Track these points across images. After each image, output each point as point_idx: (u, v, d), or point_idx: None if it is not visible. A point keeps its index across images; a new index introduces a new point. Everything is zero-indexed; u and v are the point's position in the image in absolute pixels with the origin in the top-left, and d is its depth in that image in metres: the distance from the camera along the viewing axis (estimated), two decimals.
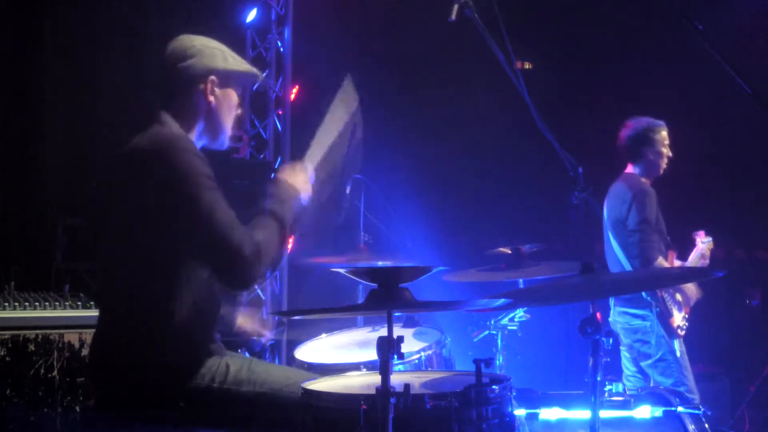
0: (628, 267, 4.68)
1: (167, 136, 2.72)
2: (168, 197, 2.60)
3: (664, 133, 4.87)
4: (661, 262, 4.61)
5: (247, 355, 3.21)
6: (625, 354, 4.85)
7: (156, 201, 2.61)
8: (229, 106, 2.90)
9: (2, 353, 3.82)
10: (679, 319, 4.67)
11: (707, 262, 4.97)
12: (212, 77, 2.83)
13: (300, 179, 2.93)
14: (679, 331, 4.66)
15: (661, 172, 4.89)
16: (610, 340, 2.52)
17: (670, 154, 4.88)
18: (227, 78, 2.87)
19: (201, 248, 2.62)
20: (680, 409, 3.00)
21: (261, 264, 2.65)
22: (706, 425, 3.00)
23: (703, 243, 5.00)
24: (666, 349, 4.64)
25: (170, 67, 2.81)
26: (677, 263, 4.92)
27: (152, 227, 2.63)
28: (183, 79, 2.81)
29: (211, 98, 2.84)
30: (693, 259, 4.99)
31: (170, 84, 2.82)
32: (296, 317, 3.31)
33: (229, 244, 2.58)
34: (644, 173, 4.84)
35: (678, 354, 4.64)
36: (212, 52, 2.85)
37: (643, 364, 4.71)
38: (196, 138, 2.88)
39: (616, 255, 4.76)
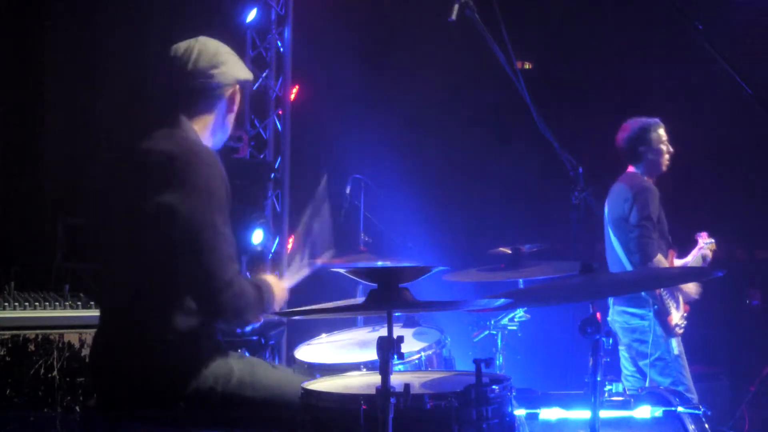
0: (628, 264, 4.68)
1: (191, 144, 2.72)
2: (178, 206, 2.59)
3: (661, 131, 4.87)
4: (660, 259, 4.60)
5: (247, 354, 3.21)
6: (623, 353, 4.85)
7: (165, 205, 2.60)
8: (237, 110, 2.98)
9: (2, 353, 3.82)
10: (677, 317, 4.67)
11: (708, 262, 4.97)
12: (237, 86, 2.91)
13: (279, 293, 2.92)
14: (677, 329, 4.65)
15: (664, 169, 4.88)
16: (610, 340, 2.52)
17: (671, 149, 4.87)
18: (243, 86, 2.97)
19: (192, 268, 2.62)
20: (680, 409, 3.00)
21: (243, 305, 2.68)
22: (706, 425, 3.00)
23: (705, 244, 5.00)
24: (664, 349, 4.64)
25: (202, 73, 2.82)
26: (677, 262, 4.92)
27: (157, 229, 2.63)
28: (215, 86, 2.84)
29: (234, 105, 2.92)
30: (693, 258, 4.98)
31: (197, 89, 2.83)
32: (296, 317, 3.31)
33: (220, 275, 2.60)
34: (646, 173, 4.85)
35: (676, 353, 4.64)
36: (236, 60, 2.93)
37: (641, 363, 4.71)
38: (206, 141, 2.89)
39: (617, 253, 4.76)
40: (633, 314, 4.72)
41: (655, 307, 4.61)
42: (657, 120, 4.90)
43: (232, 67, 2.88)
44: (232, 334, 3.18)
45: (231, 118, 2.95)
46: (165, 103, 2.85)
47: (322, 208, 3.18)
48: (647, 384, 4.61)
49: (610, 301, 4.86)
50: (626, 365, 4.84)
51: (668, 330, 4.63)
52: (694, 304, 4.84)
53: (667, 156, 4.87)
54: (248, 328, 3.11)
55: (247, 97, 6.63)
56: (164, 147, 2.68)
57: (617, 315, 4.80)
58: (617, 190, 4.81)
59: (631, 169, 4.88)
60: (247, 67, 3.03)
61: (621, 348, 4.85)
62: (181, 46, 2.85)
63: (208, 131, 2.87)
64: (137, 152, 2.72)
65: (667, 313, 4.64)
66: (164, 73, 2.88)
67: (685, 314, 4.74)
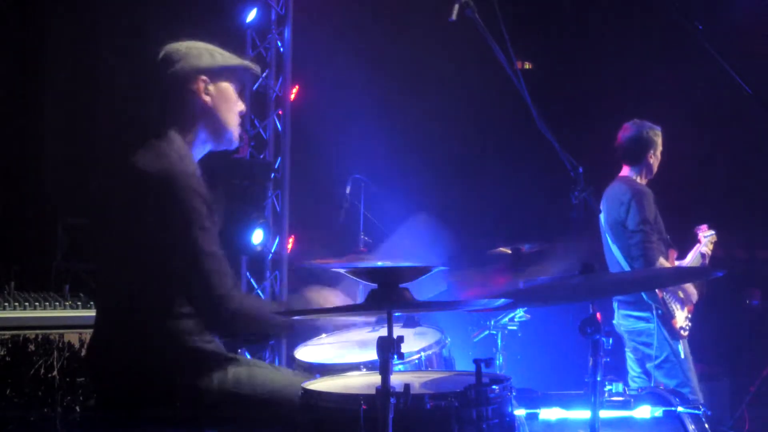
0: (627, 269, 4.68)
1: (168, 164, 2.64)
2: (162, 228, 2.60)
3: (659, 139, 4.91)
4: (663, 262, 4.60)
5: (247, 355, 3.21)
6: (630, 355, 4.86)
7: (153, 222, 2.61)
8: (227, 102, 2.87)
9: (2, 353, 3.82)
10: (681, 319, 4.67)
11: (708, 258, 4.97)
12: (202, 76, 2.82)
13: (327, 299, 2.86)
14: (682, 332, 4.66)
15: (653, 175, 4.92)
16: (610, 340, 2.52)
17: (660, 158, 4.93)
18: (219, 74, 2.85)
19: (185, 286, 2.62)
20: (680, 409, 3.00)
21: (236, 322, 2.64)
22: (706, 425, 3.00)
23: (705, 237, 5.00)
24: (669, 351, 4.64)
25: (161, 76, 2.81)
26: (677, 263, 4.92)
27: (150, 236, 2.63)
28: (174, 84, 2.80)
29: (206, 97, 2.82)
30: (694, 255, 4.98)
31: (164, 92, 2.82)
32: (296, 317, 3.31)
33: (211, 291, 2.59)
34: (641, 175, 4.85)
35: (682, 355, 4.64)
36: (198, 52, 2.84)
37: (648, 365, 4.71)
38: (201, 142, 2.85)
39: (616, 257, 4.76)
40: (638, 318, 4.72)
41: (659, 311, 4.61)
42: (658, 127, 4.94)
43: (189, 60, 2.80)
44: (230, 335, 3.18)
45: (217, 112, 2.84)
46: (151, 110, 2.85)
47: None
48: (652, 385, 4.62)
49: (615, 304, 4.87)
50: (633, 366, 4.85)
51: (673, 333, 4.64)
52: (694, 304, 4.84)
53: (657, 163, 4.91)
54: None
55: (247, 97, 6.63)
56: (146, 164, 2.63)
57: (622, 319, 4.81)
58: (613, 193, 4.81)
59: (625, 170, 4.89)
60: (227, 55, 2.90)
61: (627, 350, 4.86)
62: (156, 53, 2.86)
63: (195, 132, 2.83)
64: (124, 167, 2.70)
65: (672, 317, 4.64)
66: (147, 80, 2.89)
67: (689, 315, 4.74)
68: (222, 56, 2.88)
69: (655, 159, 4.87)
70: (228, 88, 2.88)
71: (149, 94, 2.89)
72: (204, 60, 2.83)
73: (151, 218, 2.61)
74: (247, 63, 2.98)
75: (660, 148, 4.88)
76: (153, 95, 2.87)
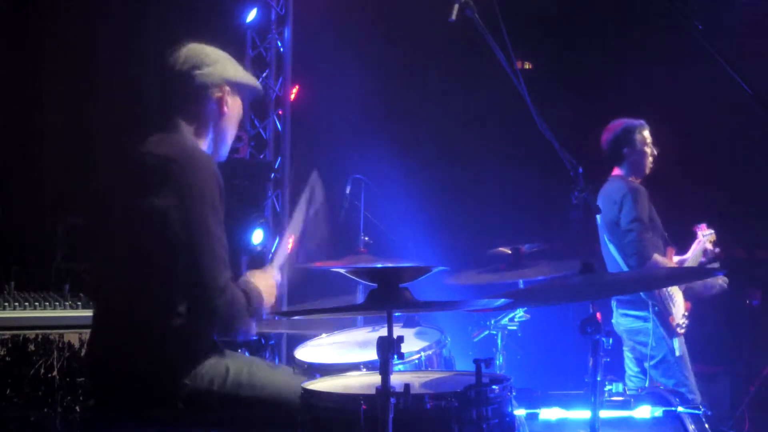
0: (625, 268, 4.68)
1: (188, 148, 2.73)
2: (173, 207, 2.60)
3: (645, 132, 4.86)
4: (657, 258, 4.60)
5: (247, 354, 3.21)
6: (627, 354, 4.86)
7: (161, 206, 2.61)
8: (237, 116, 2.97)
9: (2, 353, 3.82)
10: (678, 316, 4.67)
11: (709, 254, 4.96)
12: (227, 87, 2.89)
13: (268, 284, 2.91)
14: (678, 329, 4.66)
15: (648, 171, 4.88)
16: (610, 340, 2.52)
17: (655, 152, 4.86)
18: (237, 89, 2.94)
19: (186, 271, 2.61)
20: (680, 409, 3.01)
21: (235, 312, 2.66)
22: (706, 425, 3.00)
23: (704, 236, 4.99)
24: (666, 350, 4.65)
25: (186, 74, 2.83)
26: (675, 259, 4.92)
27: (153, 230, 2.63)
28: (199, 86, 2.84)
29: (225, 107, 2.89)
30: (694, 253, 4.97)
31: (185, 90, 2.84)
32: (296, 317, 3.31)
33: (214, 280, 2.60)
34: (631, 174, 4.85)
35: (677, 353, 4.65)
36: (226, 62, 2.92)
37: (646, 364, 4.71)
38: (206, 147, 2.89)
39: (614, 257, 4.76)
40: (635, 317, 4.73)
41: (656, 308, 4.62)
42: (642, 122, 4.89)
43: (218, 68, 2.87)
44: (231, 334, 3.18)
45: (226, 124, 2.91)
46: (162, 106, 2.87)
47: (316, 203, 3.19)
48: (647, 384, 4.62)
49: (613, 304, 4.87)
50: (630, 365, 4.86)
51: (670, 330, 4.64)
52: (694, 303, 4.84)
53: (651, 159, 4.86)
54: (241, 337, 3.10)
55: (246, 99, 6.63)
56: (162, 151, 2.69)
57: (621, 318, 4.81)
58: (606, 192, 4.81)
59: (616, 171, 4.89)
60: (246, 72, 3.01)
61: (625, 349, 4.86)
62: (174, 50, 2.87)
63: (204, 136, 2.87)
64: (136, 155, 2.73)
65: (669, 314, 4.64)
66: (157, 77, 2.91)
67: (687, 313, 4.74)
68: (243, 72, 2.98)
69: (638, 156, 4.81)
70: (240, 104, 2.97)
71: (162, 90, 2.90)
72: (230, 71, 2.91)
73: (162, 199, 2.60)
74: (258, 84, 3.09)
75: (644, 144, 4.82)
76: (166, 90, 2.87)
